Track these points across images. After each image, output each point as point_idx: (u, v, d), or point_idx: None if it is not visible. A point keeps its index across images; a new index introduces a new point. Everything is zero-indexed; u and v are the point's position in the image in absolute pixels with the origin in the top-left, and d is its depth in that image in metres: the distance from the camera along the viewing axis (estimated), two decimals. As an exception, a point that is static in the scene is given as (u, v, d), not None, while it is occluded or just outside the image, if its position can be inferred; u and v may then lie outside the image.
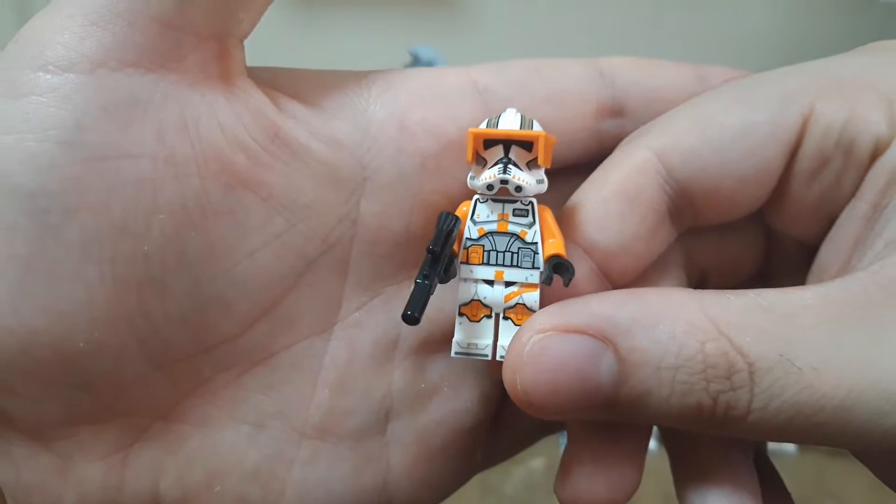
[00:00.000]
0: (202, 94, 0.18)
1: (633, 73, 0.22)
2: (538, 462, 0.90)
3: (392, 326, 0.21)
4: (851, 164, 0.19)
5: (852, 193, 0.19)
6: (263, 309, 0.19)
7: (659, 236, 0.20)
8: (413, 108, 0.20)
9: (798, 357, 0.16)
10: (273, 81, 0.19)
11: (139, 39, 0.17)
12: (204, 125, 0.17)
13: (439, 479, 0.21)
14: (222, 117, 0.18)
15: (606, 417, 0.17)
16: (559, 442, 0.90)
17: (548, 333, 0.17)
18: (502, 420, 0.22)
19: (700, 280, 0.22)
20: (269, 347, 0.19)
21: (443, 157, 0.20)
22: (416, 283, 0.18)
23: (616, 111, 0.22)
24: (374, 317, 0.20)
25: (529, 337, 0.17)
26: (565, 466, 0.20)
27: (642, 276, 0.21)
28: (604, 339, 0.17)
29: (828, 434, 0.16)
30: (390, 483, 0.20)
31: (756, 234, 0.22)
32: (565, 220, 0.20)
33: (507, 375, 0.17)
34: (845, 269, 0.19)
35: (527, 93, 0.21)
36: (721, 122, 0.19)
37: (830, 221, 0.20)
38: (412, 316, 0.18)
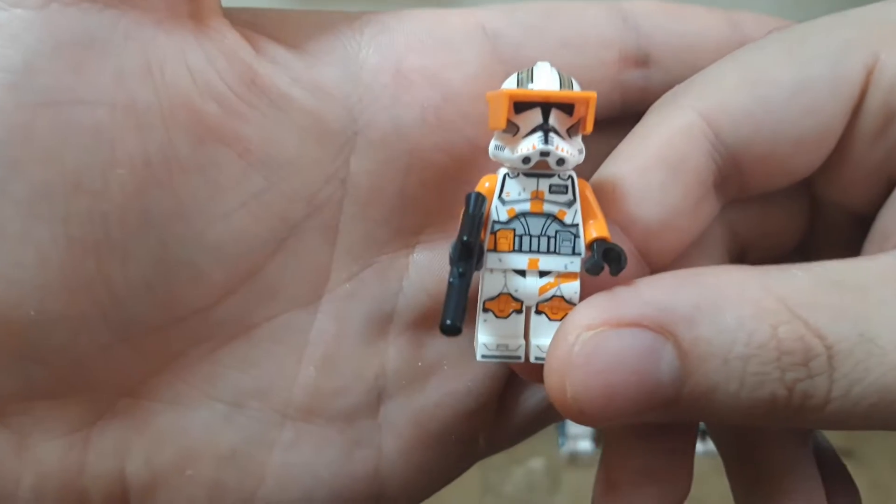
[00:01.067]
0: (169, 34, 0.16)
1: (660, 18, 0.19)
2: (538, 462, 0.89)
3: (386, 299, 0.19)
4: None
5: None
6: (241, 277, 0.17)
7: (703, 210, 0.18)
8: (411, 54, 0.18)
9: (880, 336, 0.14)
10: (252, 23, 0.18)
11: None
12: (170, 69, 0.16)
13: (437, 465, 0.19)
14: (192, 61, 0.16)
15: (664, 420, 0.15)
16: (558, 442, 0.90)
17: (599, 330, 0.15)
18: (508, 403, 0.21)
19: (740, 256, 0.20)
20: (248, 320, 0.18)
21: (445, 109, 0.18)
22: (449, 283, 0.15)
23: (641, 60, 0.19)
24: (367, 288, 0.19)
25: (577, 335, 0.15)
26: (609, 478, 0.18)
27: (683, 256, 0.19)
28: (662, 331, 0.15)
29: None
30: (383, 469, 0.19)
31: (801, 204, 0.20)
32: (597, 194, 0.18)
33: (551, 381, 0.15)
34: None
35: (541, 38, 0.19)
36: (774, 79, 0.17)
37: (888, 186, 0.18)
38: (453, 326, 0.15)
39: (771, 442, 0.19)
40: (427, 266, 0.19)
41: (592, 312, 0.15)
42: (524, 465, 0.89)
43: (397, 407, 0.19)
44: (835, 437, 0.21)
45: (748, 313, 0.15)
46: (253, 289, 0.17)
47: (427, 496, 0.20)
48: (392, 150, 0.18)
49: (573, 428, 0.89)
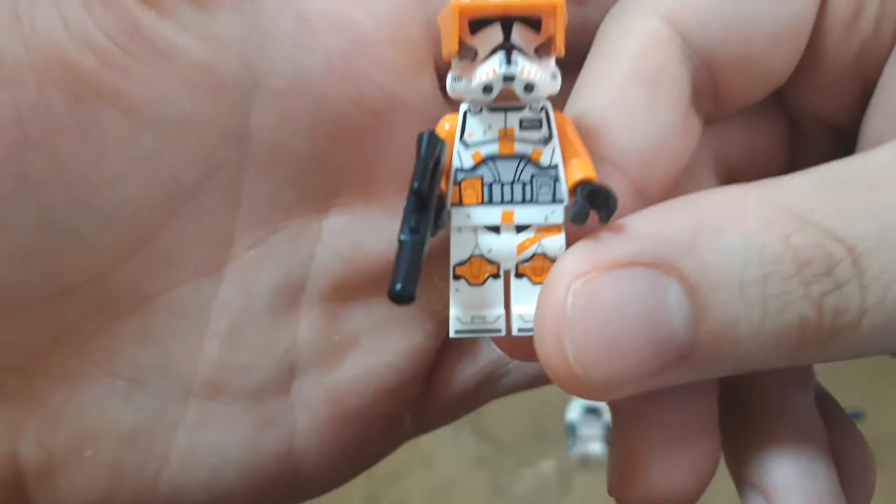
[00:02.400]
0: None
1: None
2: (548, 465, 0.88)
3: (298, 267, 0.18)
4: (889, 6, 0.16)
5: (892, 44, 0.16)
6: (133, 245, 0.16)
7: (690, 129, 0.16)
8: None
9: None
10: None
11: None
12: (41, 18, 0.15)
13: (357, 445, 0.18)
14: (65, 8, 0.15)
15: (684, 379, 0.14)
16: (569, 444, 0.88)
17: (590, 276, 0.13)
18: (438, 378, 0.19)
19: (729, 183, 0.19)
20: (145, 290, 0.17)
21: (354, 56, 0.17)
22: (400, 241, 0.13)
23: None
24: (275, 255, 0.17)
25: (568, 286, 0.13)
26: (629, 458, 0.16)
27: (674, 187, 0.17)
28: (662, 265, 0.13)
29: None
30: (297, 450, 0.18)
31: (779, 123, 0.18)
32: (578, 131, 0.16)
33: (547, 347, 0.13)
34: None
35: None
36: None
37: (866, 87, 0.17)
38: (403, 292, 0.13)
39: (766, 381, 0.17)
40: (342, 231, 0.18)
41: (580, 257, 0.13)
42: (534, 467, 0.88)
43: (311, 383, 0.18)
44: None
45: (754, 228, 0.13)
46: (147, 257, 0.16)
47: (348, 478, 0.19)
48: (296, 103, 0.17)
49: (584, 430, 0.88)
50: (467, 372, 0.19)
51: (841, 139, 0.17)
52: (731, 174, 0.19)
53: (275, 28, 0.16)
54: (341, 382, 0.18)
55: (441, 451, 0.84)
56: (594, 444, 0.87)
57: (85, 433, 0.16)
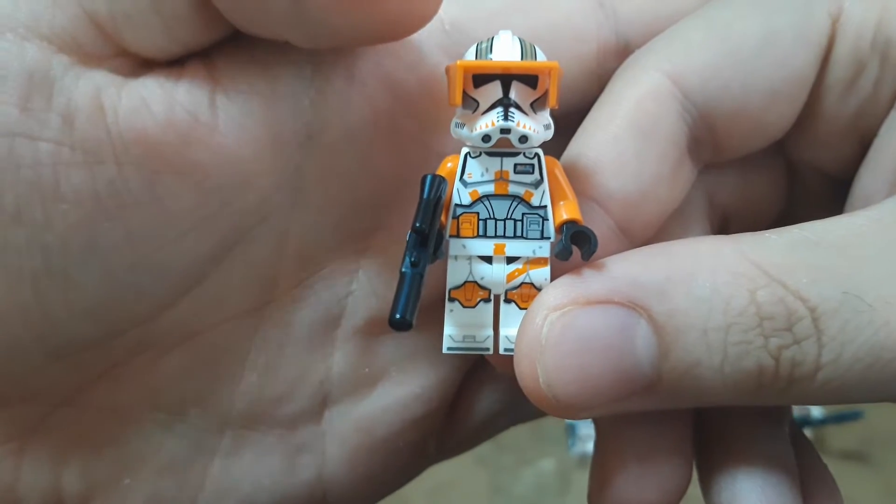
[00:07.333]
0: (123, 74, 0.15)
1: (639, 1, 0.18)
2: (548, 463, 0.88)
3: (334, 304, 0.18)
4: (889, 68, 0.16)
5: (890, 104, 0.17)
6: (185, 289, 0.17)
7: (681, 177, 0.17)
8: (365, 54, 0.17)
9: (866, 292, 0.13)
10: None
11: (61, 20, 0.14)
12: (125, 106, 0.15)
13: (384, 471, 0.19)
14: (148, 93, 0.15)
15: (647, 407, 0.15)
16: (567, 443, 0.89)
17: (566, 309, 0.14)
18: (460, 407, 0.20)
19: (722, 226, 0.20)
20: (191, 327, 0.17)
21: (398, 113, 0.17)
22: (401, 273, 0.14)
23: (621, 51, 0.18)
24: (316, 294, 0.18)
25: (545, 316, 0.14)
26: (603, 471, 0.17)
27: (662, 229, 0.18)
28: (633, 306, 0.14)
29: None
30: (326, 476, 0.18)
31: (778, 170, 0.19)
32: (570, 171, 0.17)
33: (522, 369, 0.15)
34: (893, 189, 0.16)
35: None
36: (740, 31, 0.17)
37: (863, 143, 0.17)
38: (402, 320, 0.14)
39: (743, 413, 0.18)
40: (377, 270, 0.18)
41: (559, 292, 0.15)
42: (534, 466, 0.88)
43: (342, 413, 0.19)
44: (848, 442, 0.20)
45: (723, 280, 0.14)
46: (196, 297, 0.17)
47: (373, 502, 0.20)
48: (343, 157, 0.17)
49: (583, 429, 0.88)
50: (488, 400, 0.20)
51: (838, 188, 0.18)
52: (725, 217, 0.20)
53: (327, 86, 0.17)
54: (371, 412, 0.19)
55: (441, 449, 0.84)
56: (594, 444, 0.87)
57: (125, 463, 0.17)
